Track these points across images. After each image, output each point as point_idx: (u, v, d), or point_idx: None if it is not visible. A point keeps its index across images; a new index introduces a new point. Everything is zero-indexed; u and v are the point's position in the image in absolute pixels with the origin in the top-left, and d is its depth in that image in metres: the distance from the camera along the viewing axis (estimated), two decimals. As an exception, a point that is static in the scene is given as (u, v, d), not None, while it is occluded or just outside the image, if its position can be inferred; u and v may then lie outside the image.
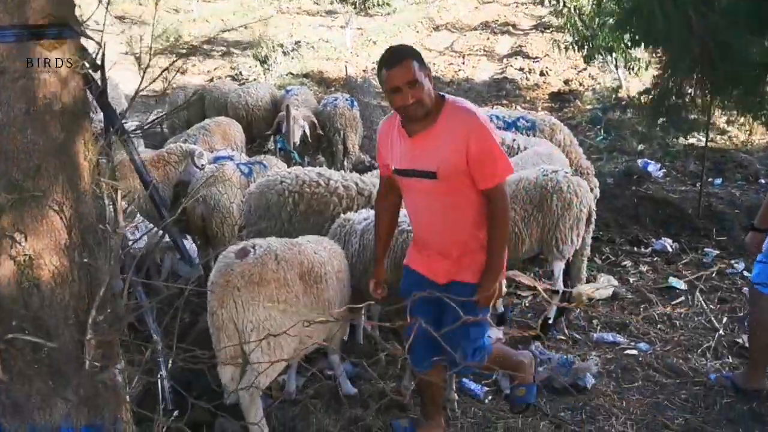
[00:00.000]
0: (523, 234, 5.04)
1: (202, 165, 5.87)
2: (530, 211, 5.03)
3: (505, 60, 17.04)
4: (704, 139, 8.37)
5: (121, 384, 2.03)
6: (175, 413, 2.33)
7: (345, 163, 8.53)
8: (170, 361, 2.52)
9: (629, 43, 9.04)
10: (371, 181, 4.96)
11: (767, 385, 4.37)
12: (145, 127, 3.02)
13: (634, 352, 4.97)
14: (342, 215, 4.51)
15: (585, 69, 14.44)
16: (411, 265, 3.55)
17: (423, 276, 3.46)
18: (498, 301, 5.34)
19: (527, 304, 5.84)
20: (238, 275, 3.45)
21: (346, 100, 8.57)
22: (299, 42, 17.50)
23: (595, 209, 5.22)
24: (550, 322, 5.21)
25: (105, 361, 1.95)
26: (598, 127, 10.42)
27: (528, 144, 6.47)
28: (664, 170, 8.53)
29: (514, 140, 6.56)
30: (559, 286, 5.16)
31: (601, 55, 11.48)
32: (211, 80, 15.21)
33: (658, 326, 5.38)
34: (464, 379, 4.46)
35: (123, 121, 2.85)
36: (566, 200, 4.98)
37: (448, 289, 3.32)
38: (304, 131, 8.09)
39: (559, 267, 5.13)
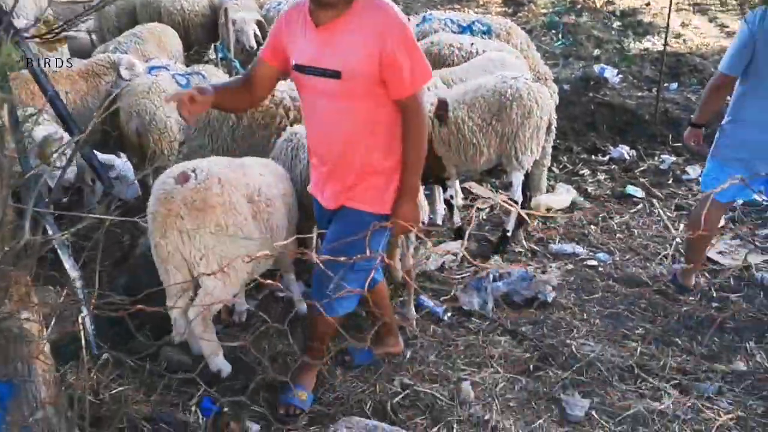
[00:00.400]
0: (481, 144, 4.79)
1: (133, 75, 5.36)
2: (489, 120, 4.76)
3: (456, -39, 16.28)
4: (659, 43, 8.15)
5: (34, 331, 1.74)
6: (104, 356, 2.05)
7: (292, 72, 8.04)
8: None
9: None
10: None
11: (693, 284, 4.48)
12: (54, 31, 2.55)
13: (594, 262, 4.87)
14: (289, 128, 4.17)
15: (539, -30, 13.90)
16: (310, 191, 3.20)
17: (318, 202, 3.13)
18: (455, 215, 5.14)
19: (484, 217, 5.67)
20: (180, 202, 3.18)
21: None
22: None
23: (555, 117, 4.98)
24: (509, 234, 5.05)
25: (10, 307, 1.64)
26: (554, 31, 10.07)
27: (487, 48, 6.12)
28: (621, 76, 8.31)
29: (473, 44, 6.19)
30: (518, 196, 4.97)
31: (556, -46, 11.00)
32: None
33: (617, 235, 5.29)
34: (422, 297, 4.30)
35: (30, 25, 2.42)
36: (526, 108, 4.72)
37: (335, 215, 3.01)
38: (256, 33, 7.52)
39: (518, 178, 4.92)
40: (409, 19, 7.25)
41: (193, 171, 3.32)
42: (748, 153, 4.03)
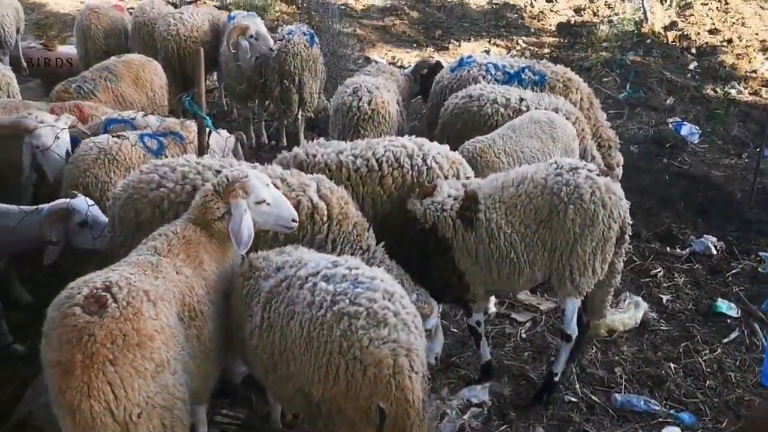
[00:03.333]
0: (521, 259, 3.53)
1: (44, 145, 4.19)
2: (534, 228, 3.50)
3: (506, -19, 14.97)
4: (747, 92, 6.76)
5: None
6: None
7: (300, 115, 6.85)
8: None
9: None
10: (302, 182, 3.38)
11: None
12: None
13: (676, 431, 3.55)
14: (249, 257, 2.96)
15: (600, -6, 12.51)
16: None
17: None
18: (482, 346, 3.85)
19: (523, 336, 4.38)
20: (105, 341, 2.30)
21: (304, 34, 6.75)
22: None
23: (630, 222, 3.67)
24: (557, 379, 3.76)
25: None
26: (617, 71, 8.69)
27: (541, 105, 4.87)
28: (703, 135, 6.91)
29: (522, 101, 4.95)
30: (572, 329, 3.68)
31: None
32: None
33: (707, 382, 3.96)
34: None
35: None
36: (588, 213, 3.44)
37: None
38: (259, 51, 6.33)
39: (572, 305, 3.63)
40: (432, 53, 6.02)
41: (107, 289, 2.40)
42: None
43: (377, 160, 3.82)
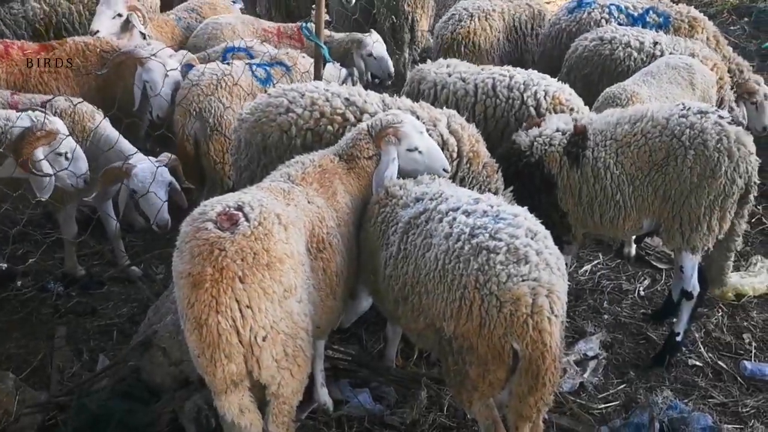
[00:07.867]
0: (627, 203, 3.36)
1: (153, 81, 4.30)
2: (646, 171, 3.30)
3: None
4: None
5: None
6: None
7: (407, 54, 6.68)
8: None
9: None
10: (432, 115, 3.29)
11: None
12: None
13: (812, 401, 3.36)
14: (385, 184, 2.90)
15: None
16: None
17: None
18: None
19: (642, 293, 4.22)
20: (236, 257, 2.30)
21: (417, -31, 6.52)
22: None
23: (757, 181, 3.37)
24: (679, 339, 3.59)
25: None
26: (747, 19, 8.07)
27: (677, 48, 4.62)
28: None
29: (656, 44, 4.70)
30: (692, 286, 3.50)
31: None
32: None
33: None
34: None
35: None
36: (711, 162, 3.19)
37: None
38: None
39: (689, 261, 3.43)
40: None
41: (239, 209, 2.40)
42: None
43: (475, 85, 3.78)
